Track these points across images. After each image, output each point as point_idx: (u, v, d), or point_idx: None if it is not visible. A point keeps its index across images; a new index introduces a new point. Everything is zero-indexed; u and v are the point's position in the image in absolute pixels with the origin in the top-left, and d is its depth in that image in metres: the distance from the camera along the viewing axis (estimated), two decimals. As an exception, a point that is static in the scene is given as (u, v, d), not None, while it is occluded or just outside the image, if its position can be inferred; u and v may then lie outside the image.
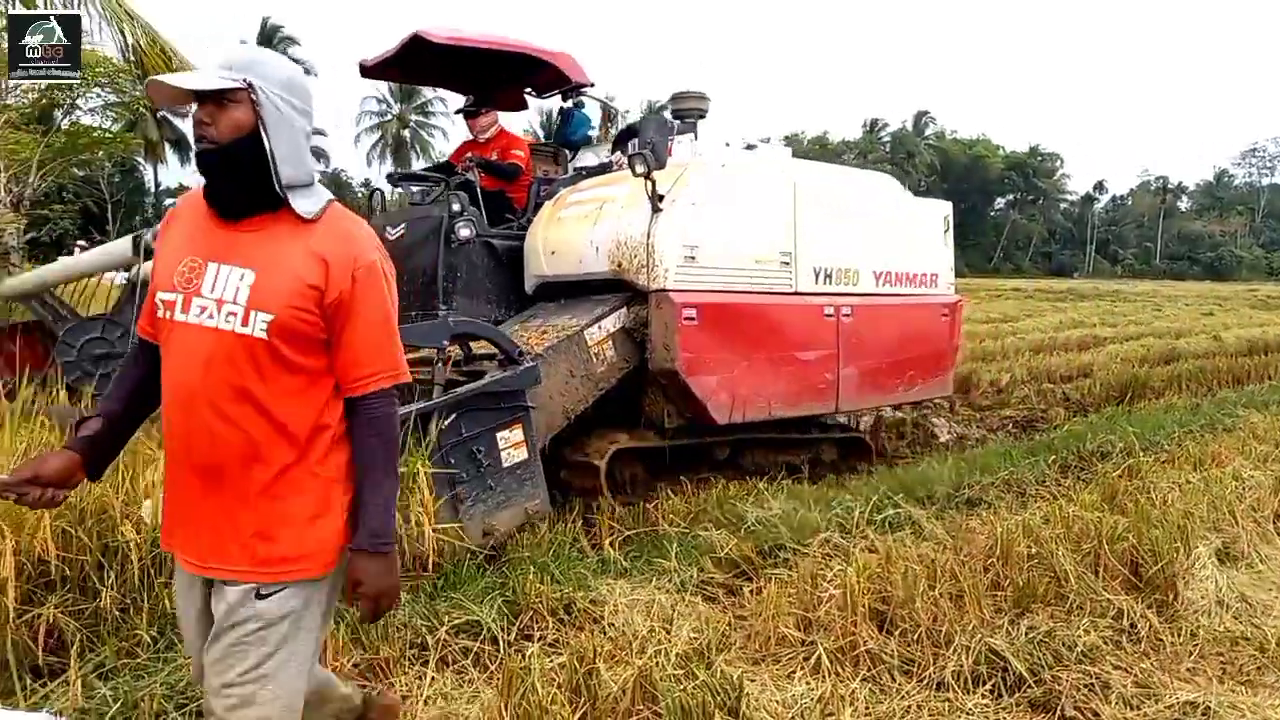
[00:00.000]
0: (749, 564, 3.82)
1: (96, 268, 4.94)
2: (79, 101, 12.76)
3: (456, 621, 3.08)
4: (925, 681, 2.76)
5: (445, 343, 4.33)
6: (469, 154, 6.33)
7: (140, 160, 42.65)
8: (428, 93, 56.68)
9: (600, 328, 4.89)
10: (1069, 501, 4.26)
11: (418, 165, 53.70)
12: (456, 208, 5.54)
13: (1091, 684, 2.72)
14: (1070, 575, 3.34)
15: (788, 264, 5.44)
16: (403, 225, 5.93)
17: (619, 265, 5.01)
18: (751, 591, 3.57)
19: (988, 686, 2.72)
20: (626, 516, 4.79)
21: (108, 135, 13.87)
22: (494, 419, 4.15)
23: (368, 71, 6.40)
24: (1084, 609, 3.18)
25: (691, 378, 4.84)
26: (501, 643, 3.03)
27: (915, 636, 2.93)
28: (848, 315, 5.71)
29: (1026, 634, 2.94)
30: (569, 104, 6.76)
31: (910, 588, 3.10)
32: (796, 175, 5.75)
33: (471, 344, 4.97)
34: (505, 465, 4.17)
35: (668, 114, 6.37)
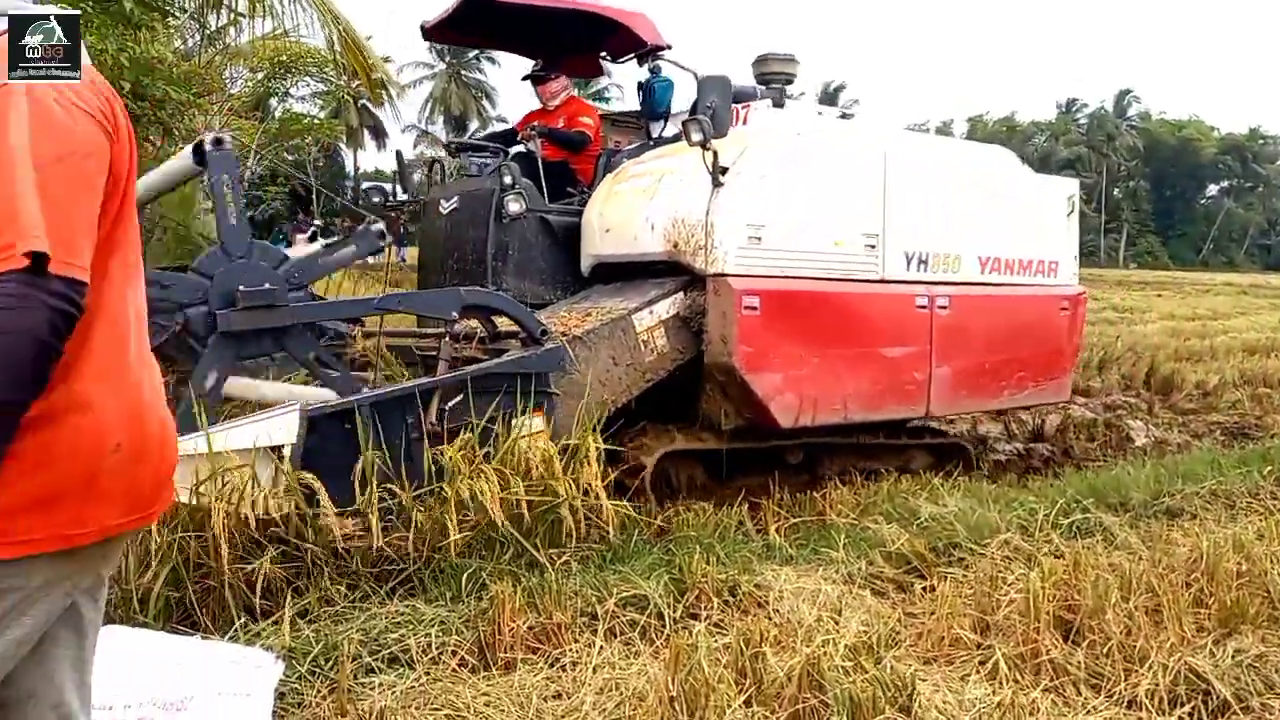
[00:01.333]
0: (921, 560, 3.70)
1: (166, 182, 4.32)
2: (290, 90, 13.84)
3: (624, 594, 3.15)
4: (1115, 698, 2.59)
5: (455, 314, 3.94)
6: (533, 122, 5.89)
7: (342, 145, 45.75)
8: (604, 79, 57.73)
9: (651, 313, 4.41)
10: (1288, 517, 3.88)
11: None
12: (508, 180, 5.10)
13: (1310, 717, 2.47)
14: (1288, 597, 3.05)
15: (873, 247, 4.83)
16: (456, 199, 5.57)
17: (675, 245, 4.52)
18: (924, 589, 3.46)
19: (1186, 709, 2.52)
20: (793, 503, 4.75)
21: (316, 121, 14.97)
22: (511, 404, 3.74)
23: (429, 33, 6.06)
24: (1303, 635, 2.89)
25: (751, 374, 4.33)
26: (667, 619, 3.07)
27: (1105, 650, 2.75)
28: (944, 307, 5.05)
29: (1233, 656, 2.71)
30: (646, 72, 6.03)
31: (1101, 598, 2.92)
32: (888, 146, 5.07)
33: (497, 321, 4.40)
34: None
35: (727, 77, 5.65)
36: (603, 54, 6.28)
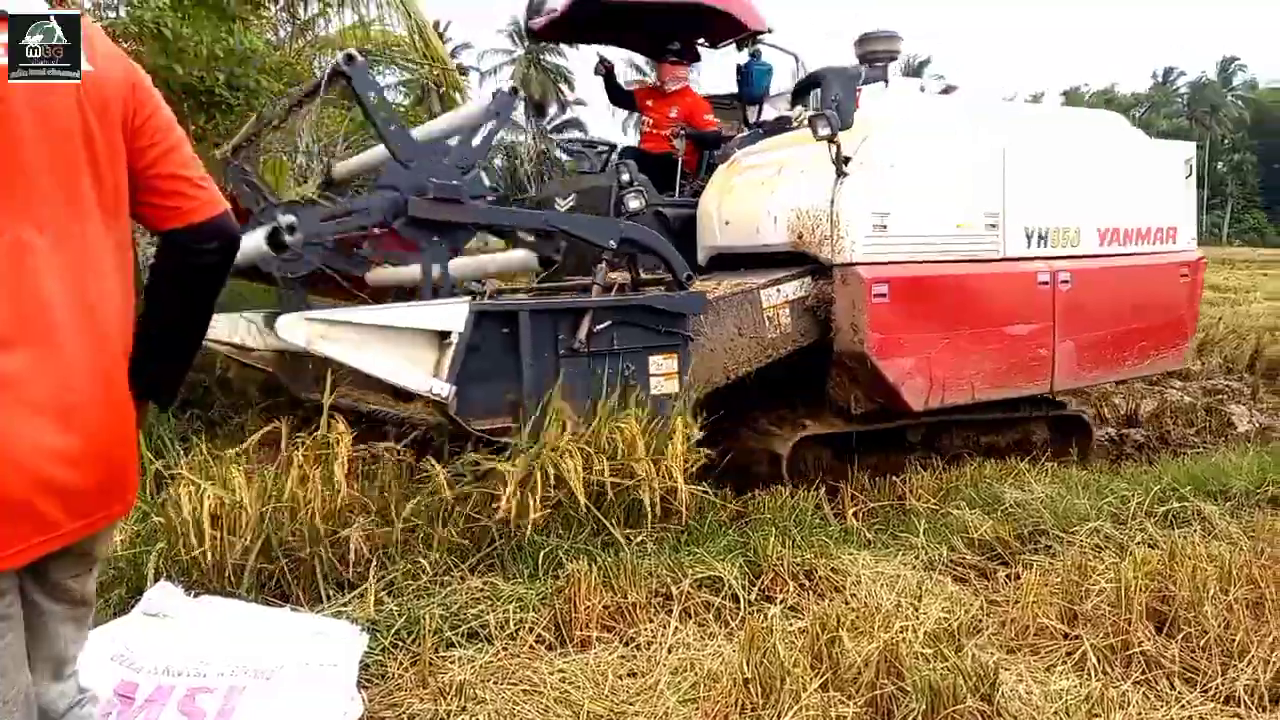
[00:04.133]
0: (1005, 547, 3.61)
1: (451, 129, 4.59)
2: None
3: (700, 575, 3.16)
4: (1211, 693, 2.48)
5: (613, 243, 4.06)
6: (676, 124, 6.05)
7: (424, 132, 46.48)
8: (683, 59, 57.25)
9: (779, 291, 4.52)
10: (1406, 509, 3.65)
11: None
12: (625, 177, 5.25)
13: None
14: (1405, 593, 2.87)
15: (994, 226, 4.89)
16: (573, 196, 5.80)
17: (800, 237, 4.62)
18: (1007, 577, 3.38)
19: (1289, 707, 2.41)
20: (871, 488, 4.68)
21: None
22: (650, 340, 3.95)
23: (535, 34, 6.44)
24: None
25: (883, 361, 4.42)
26: (742, 601, 3.07)
27: (1202, 643, 2.64)
28: (1066, 282, 5.06)
29: (1342, 654, 2.57)
30: (746, 55, 6.21)
31: (1198, 590, 2.80)
32: (1005, 123, 5.07)
33: (636, 271, 4.57)
34: (652, 393, 3.92)
35: (849, 61, 5.64)
36: (700, 41, 6.38)
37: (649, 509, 3.56)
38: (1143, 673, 2.58)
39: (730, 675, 2.44)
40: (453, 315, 3.44)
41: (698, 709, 2.39)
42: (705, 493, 3.85)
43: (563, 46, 55.34)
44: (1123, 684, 2.50)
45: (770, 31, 5.93)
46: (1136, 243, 5.54)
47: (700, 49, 6.57)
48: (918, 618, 2.84)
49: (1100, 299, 5.27)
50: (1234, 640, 2.63)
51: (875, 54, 5.62)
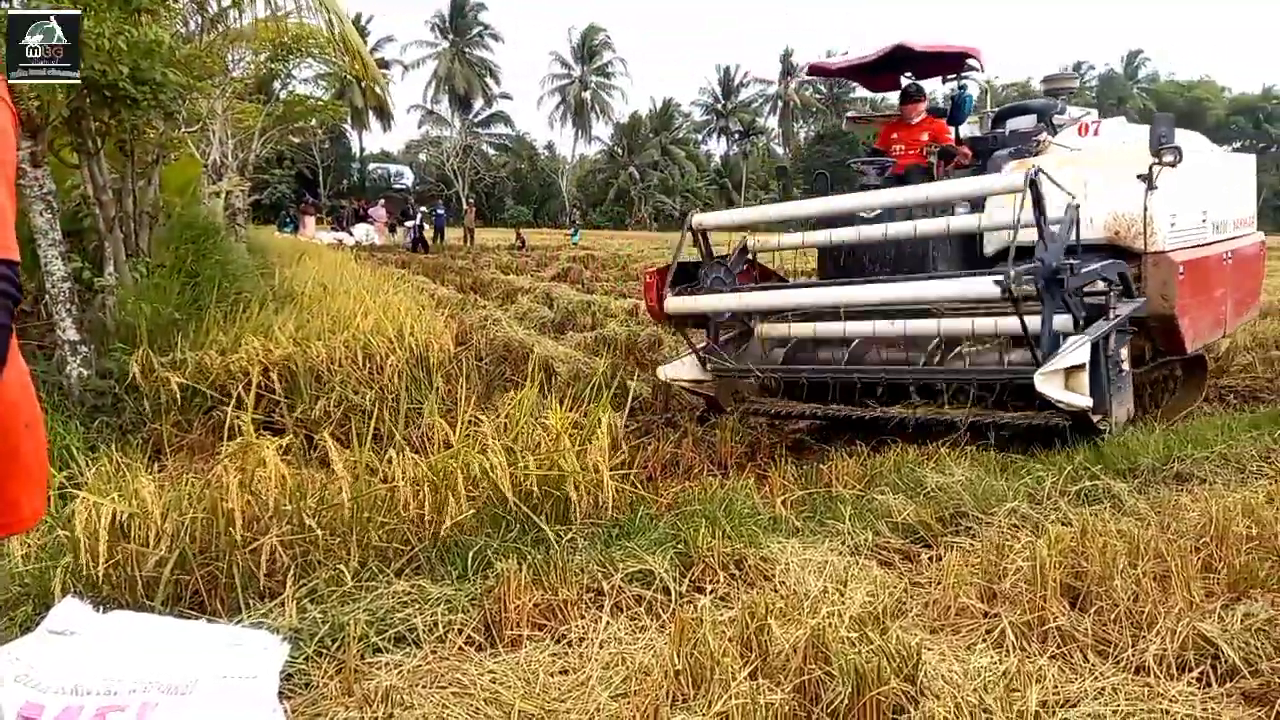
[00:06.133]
0: (928, 531, 3.69)
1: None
2: (294, 71, 13.75)
3: (630, 570, 3.15)
4: (1123, 664, 2.58)
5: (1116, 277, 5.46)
6: (929, 145, 7.18)
7: (347, 127, 45.59)
8: (607, 55, 57.35)
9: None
10: (1299, 480, 3.85)
11: (602, 128, 54.49)
12: None
13: (1319, 681, 2.45)
14: (1298, 561, 3.03)
15: (1205, 221, 6.61)
16: (878, 209, 6.96)
17: (1116, 234, 6.05)
18: (930, 559, 3.46)
19: (1195, 674, 2.51)
20: (799, 476, 4.74)
21: (320, 103, 14.88)
22: (1120, 339, 5.43)
23: (819, 70, 8.88)
24: (1314, 599, 2.87)
25: (1181, 319, 5.94)
26: (673, 593, 3.08)
27: (1113, 616, 2.75)
28: (1229, 258, 6.89)
29: (1242, 621, 2.69)
30: (956, 86, 7.61)
31: (1108, 565, 2.90)
32: (1206, 145, 7.29)
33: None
34: (1124, 372, 5.51)
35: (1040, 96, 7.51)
36: (906, 74, 7.70)
37: (576, 504, 3.55)
38: (1058, 647, 2.67)
39: (661, 667, 2.45)
40: (1083, 352, 4.81)
41: (629, 703, 2.39)
42: (629, 486, 3.86)
43: (489, 42, 55.07)
44: (1039, 658, 2.58)
45: (983, 69, 7.47)
46: (1242, 229, 7.44)
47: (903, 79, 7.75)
48: (844, 603, 2.88)
49: (1239, 269, 7.14)
50: (1143, 613, 2.74)
51: (1058, 90, 7.58)
